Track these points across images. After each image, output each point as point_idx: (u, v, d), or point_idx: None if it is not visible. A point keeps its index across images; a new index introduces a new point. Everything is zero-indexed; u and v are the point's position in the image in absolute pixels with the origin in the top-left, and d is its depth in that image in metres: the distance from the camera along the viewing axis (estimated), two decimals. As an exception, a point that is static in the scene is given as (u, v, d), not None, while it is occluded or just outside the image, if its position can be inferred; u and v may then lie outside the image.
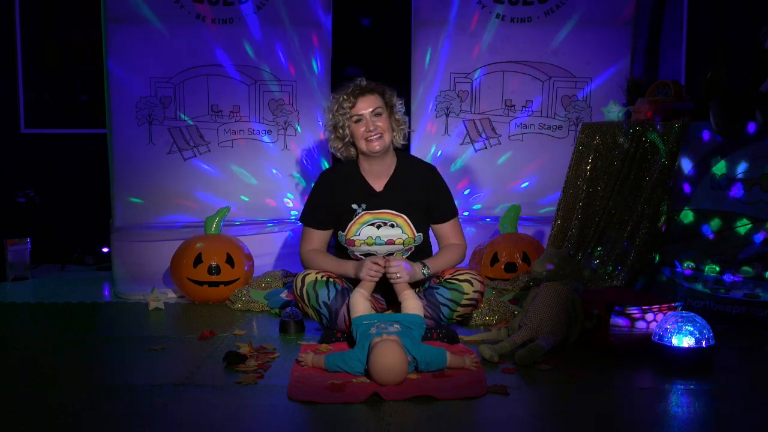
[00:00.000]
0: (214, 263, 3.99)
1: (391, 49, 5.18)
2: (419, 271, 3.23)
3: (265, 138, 4.59)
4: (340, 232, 3.33)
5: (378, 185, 3.33)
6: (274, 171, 4.63)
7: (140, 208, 4.44)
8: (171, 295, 4.18)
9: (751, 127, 3.46)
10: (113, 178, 4.42)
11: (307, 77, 4.62)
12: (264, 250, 4.51)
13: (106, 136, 4.46)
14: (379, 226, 3.29)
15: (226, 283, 4.02)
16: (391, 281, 3.16)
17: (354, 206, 3.30)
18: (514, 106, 4.63)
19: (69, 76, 5.32)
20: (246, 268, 4.10)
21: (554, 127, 4.62)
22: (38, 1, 5.24)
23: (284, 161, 4.64)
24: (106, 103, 4.40)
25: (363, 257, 3.31)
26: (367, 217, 3.30)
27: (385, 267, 3.15)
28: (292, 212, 4.71)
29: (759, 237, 3.42)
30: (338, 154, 3.37)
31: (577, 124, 4.56)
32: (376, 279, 3.17)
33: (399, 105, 3.35)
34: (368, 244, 3.30)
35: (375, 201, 3.31)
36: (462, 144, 4.67)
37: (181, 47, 4.41)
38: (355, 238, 3.30)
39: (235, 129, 4.54)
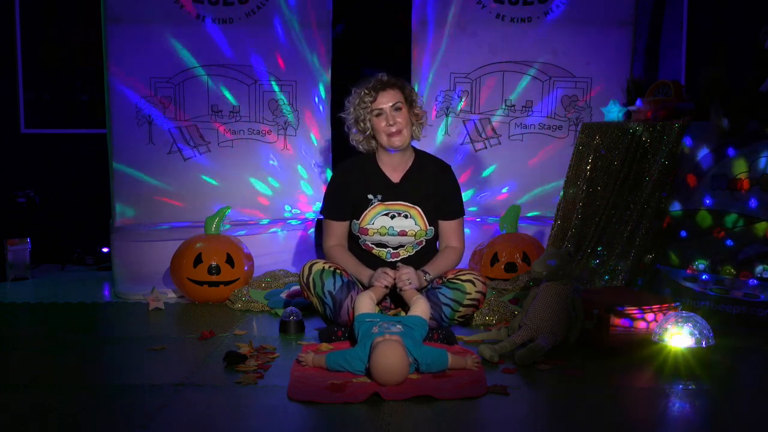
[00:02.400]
0: (214, 263, 3.99)
1: (391, 49, 5.18)
2: (422, 277, 3.27)
3: (265, 138, 4.59)
4: (354, 220, 3.38)
5: (395, 177, 3.40)
6: (274, 170, 4.63)
7: (140, 208, 4.44)
8: (171, 295, 4.18)
9: (751, 127, 3.46)
10: (113, 178, 4.42)
11: (307, 77, 4.62)
12: (264, 250, 4.51)
13: (106, 136, 4.46)
14: (393, 216, 3.34)
15: (226, 283, 4.02)
16: (403, 289, 3.19)
17: (370, 196, 3.36)
18: (514, 106, 4.64)
19: (69, 76, 5.32)
20: (246, 268, 4.10)
21: (554, 127, 4.62)
22: (38, 1, 5.24)
23: (284, 161, 4.64)
24: (106, 103, 4.40)
25: (375, 246, 3.36)
26: (382, 207, 3.35)
27: (395, 277, 3.20)
28: (293, 212, 4.72)
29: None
30: (359, 147, 3.43)
31: (577, 124, 4.56)
32: (385, 284, 3.20)
33: (418, 100, 3.43)
34: (381, 234, 3.34)
35: (391, 192, 3.37)
36: (462, 144, 4.68)
37: (181, 47, 4.41)
38: (368, 226, 3.34)
39: (235, 129, 4.54)
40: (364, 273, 3.31)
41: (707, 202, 3.58)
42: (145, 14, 4.35)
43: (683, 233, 3.65)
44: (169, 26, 4.38)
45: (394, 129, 3.30)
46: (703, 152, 3.61)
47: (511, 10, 4.56)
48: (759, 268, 3.41)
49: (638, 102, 3.90)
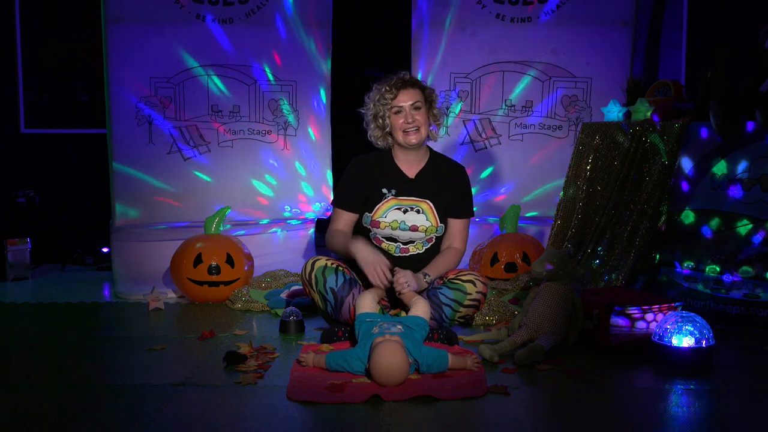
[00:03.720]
0: (214, 263, 3.99)
1: (391, 49, 5.18)
2: (422, 280, 3.27)
3: (265, 138, 4.59)
4: (366, 213, 3.38)
5: (411, 173, 3.41)
6: (274, 170, 4.63)
7: (140, 208, 4.44)
8: (171, 295, 4.18)
9: (751, 127, 3.46)
10: (113, 178, 4.42)
11: (307, 77, 4.62)
12: (264, 250, 4.51)
13: (106, 136, 4.47)
14: (405, 211, 3.35)
15: (226, 283, 4.02)
16: (402, 291, 3.18)
17: (384, 190, 3.37)
18: (514, 106, 4.64)
19: (69, 76, 5.32)
20: (246, 268, 4.10)
21: (554, 127, 4.62)
22: (38, 1, 5.24)
23: (284, 161, 4.64)
24: (106, 103, 4.40)
25: (385, 240, 3.37)
26: (395, 201, 3.36)
27: (394, 281, 3.20)
28: (293, 212, 4.72)
29: (759, 237, 3.42)
30: (377, 143, 3.44)
31: (577, 124, 4.57)
32: (381, 281, 3.19)
33: (437, 100, 3.46)
34: (393, 228, 3.35)
35: (406, 187, 3.38)
36: (462, 144, 4.68)
37: (181, 47, 4.41)
38: (380, 219, 3.35)
39: (235, 129, 4.55)
40: (356, 245, 3.22)
41: (708, 202, 3.58)
42: (145, 14, 4.35)
43: (683, 233, 3.65)
44: (169, 26, 4.39)
45: (411, 127, 3.32)
46: (703, 152, 3.60)
47: (511, 10, 4.57)
48: (759, 268, 3.41)
49: (638, 102, 3.90)
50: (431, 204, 3.37)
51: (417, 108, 3.33)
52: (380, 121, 3.36)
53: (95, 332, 3.58)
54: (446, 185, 3.41)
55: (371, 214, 3.37)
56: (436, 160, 3.46)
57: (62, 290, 4.39)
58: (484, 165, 4.67)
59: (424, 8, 4.60)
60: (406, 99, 3.33)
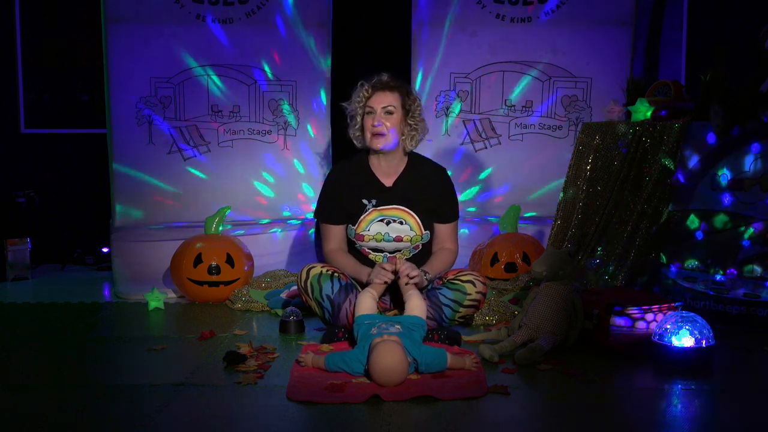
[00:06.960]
0: (214, 263, 3.99)
1: (391, 49, 5.18)
2: (422, 277, 3.26)
3: (265, 138, 4.59)
4: (350, 225, 3.37)
5: (388, 181, 3.37)
6: (274, 170, 4.63)
7: (140, 208, 4.44)
8: (171, 295, 4.18)
9: (751, 128, 3.46)
10: (113, 178, 4.43)
11: (307, 77, 4.62)
12: (264, 250, 4.51)
13: (106, 136, 4.47)
14: (388, 222, 3.33)
15: (226, 283, 4.02)
16: (405, 284, 3.17)
17: (364, 201, 3.34)
18: (514, 106, 4.64)
19: (69, 76, 5.32)
20: (246, 268, 4.10)
21: (554, 127, 4.62)
22: (38, 1, 5.24)
23: (284, 161, 4.64)
24: (106, 103, 4.40)
25: (371, 251, 3.36)
26: (377, 213, 3.33)
27: (396, 271, 3.18)
28: (292, 212, 4.72)
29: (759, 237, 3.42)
30: (356, 142, 3.40)
31: (577, 124, 4.57)
32: (384, 279, 3.19)
33: (418, 110, 3.35)
34: (377, 240, 3.33)
35: (385, 196, 3.34)
36: (462, 144, 4.68)
37: (181, 47, 4.41)
38: (364, 233, 3.34)
39: (235, 129, 4.55)
40: (363, 272, 3.30)
41: (708, 202, 3.58)
42: (145, 14, 4.35)
43: (684, 233, 3.65)
44: (169, 26, 4.39)
45: (378, 130, 3.26)
46: (703, 152, 3.60)
47: (511, 10, 4.57)
48: (759, 268, 3.41)
49: (639, 102, 3.90)
50: (413, 213, 3.34)
51: (389, 112, 3.27)
52: (357, 119, 3.33)
53: (95, 332, 3.58)
54: (427, 191, 3.35)
55: (355, 228, 3.35)
56: (415, 164, 3.39)
57: (62, 290, 4.39)
58: (484, 165, 4.67)
59: (424, 8, 4.60)
60: (379, 101, 3.26)
